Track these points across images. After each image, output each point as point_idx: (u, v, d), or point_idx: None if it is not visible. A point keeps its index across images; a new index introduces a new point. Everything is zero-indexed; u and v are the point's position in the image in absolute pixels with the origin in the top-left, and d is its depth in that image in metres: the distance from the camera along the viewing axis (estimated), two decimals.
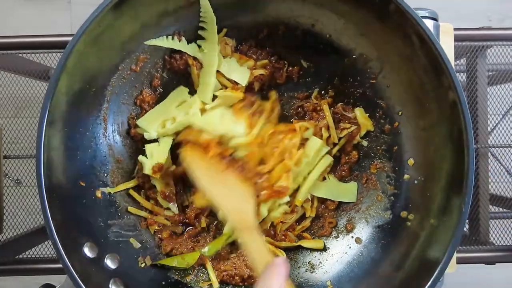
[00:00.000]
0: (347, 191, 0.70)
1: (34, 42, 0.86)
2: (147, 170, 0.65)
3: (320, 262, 0.68)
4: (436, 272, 0.52)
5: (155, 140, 0.67)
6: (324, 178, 0.71)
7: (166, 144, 0.66)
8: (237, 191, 0.58)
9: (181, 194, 0.70)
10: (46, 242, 0.96)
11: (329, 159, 0.70)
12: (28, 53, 0.91)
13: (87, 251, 0.56)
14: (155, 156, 0.66)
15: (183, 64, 0.67)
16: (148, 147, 0.66)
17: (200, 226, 0.69)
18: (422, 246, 0.58)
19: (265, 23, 0.66)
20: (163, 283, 0.64)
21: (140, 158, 0.66)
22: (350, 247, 0.67)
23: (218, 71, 0.66)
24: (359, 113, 0.69)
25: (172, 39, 0.64)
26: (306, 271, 0.67)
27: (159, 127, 0.67)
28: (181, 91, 0.68)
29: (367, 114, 0.68)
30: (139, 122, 0.67)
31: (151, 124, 0.67)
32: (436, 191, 0.59)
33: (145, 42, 0.62)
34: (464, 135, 0.53)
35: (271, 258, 0.47)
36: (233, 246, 0.69)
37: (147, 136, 0.66)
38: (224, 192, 0.57)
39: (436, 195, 0.59)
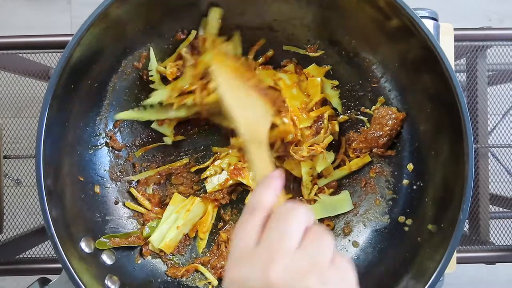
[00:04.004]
0: (342, 202, 0.69)
1: (34, 42, 0.86)
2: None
3: None
4: (432, 278, 0.52)
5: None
6: (315, 200, 0.70)
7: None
8: (257, 105, 0.57)
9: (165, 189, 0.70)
10: (46, 242, 0.96)
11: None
12: (28, 53, 0.90)
13: (84, 246, 0.57)
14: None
15: None
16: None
17: None
18: (419, 252, 0.58)
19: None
20: (159, 280, 0.64)
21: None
22: (347, 250, 0.67)
23: None
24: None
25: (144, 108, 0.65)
26: None
27: None
28: None
29: (366, 119, 0.68)
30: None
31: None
32: (435, 197, 0.59)
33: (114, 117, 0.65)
34: (464, 139, 0.52)
35: (271, 171, 0.46)
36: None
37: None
38: (244, 103, 0.56)
39: (434, 201, 0.59)
